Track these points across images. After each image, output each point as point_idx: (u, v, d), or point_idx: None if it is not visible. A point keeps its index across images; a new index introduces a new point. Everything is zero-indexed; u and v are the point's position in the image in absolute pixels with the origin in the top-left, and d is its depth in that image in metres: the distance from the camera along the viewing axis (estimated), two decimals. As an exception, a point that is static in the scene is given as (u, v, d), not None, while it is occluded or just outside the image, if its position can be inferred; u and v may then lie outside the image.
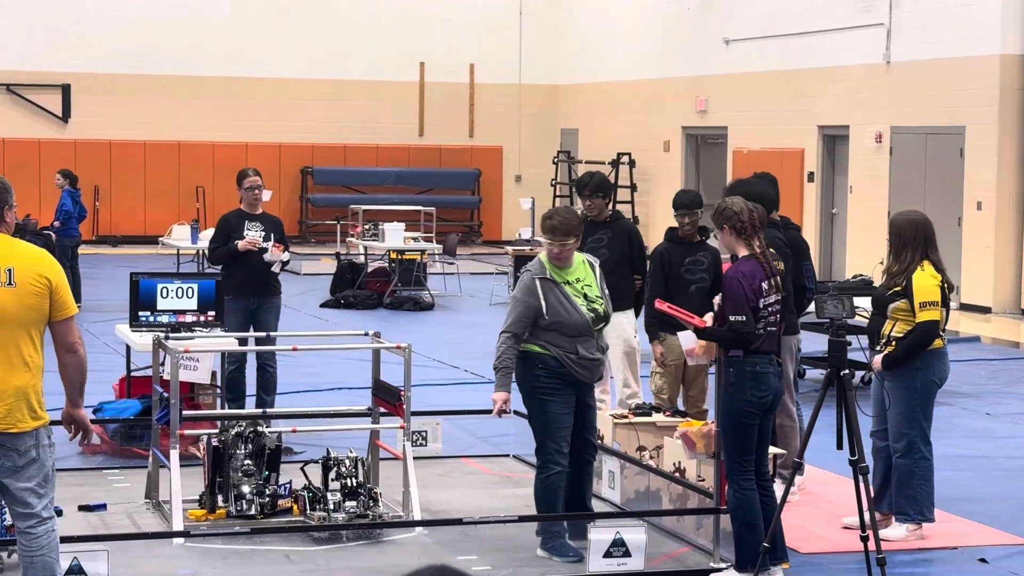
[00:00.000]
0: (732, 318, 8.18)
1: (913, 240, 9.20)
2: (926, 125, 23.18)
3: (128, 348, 11.80)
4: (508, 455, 11.82)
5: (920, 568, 8.98)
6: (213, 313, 11.20)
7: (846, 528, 9.50)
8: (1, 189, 7.02)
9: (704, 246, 10.79)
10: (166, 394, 9.55)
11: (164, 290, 11.11)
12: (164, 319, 11.08)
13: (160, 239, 25.52)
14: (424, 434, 10.89)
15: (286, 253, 12.21)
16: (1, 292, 6.84)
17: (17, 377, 6.85)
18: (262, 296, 12.14)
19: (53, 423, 7.09)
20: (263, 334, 11.56)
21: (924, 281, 9.13)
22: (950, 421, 13.67)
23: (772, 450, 9.07)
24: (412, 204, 29.91)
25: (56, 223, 20.74)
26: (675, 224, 10.91)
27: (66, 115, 32.29)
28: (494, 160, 34.95)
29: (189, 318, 11.12)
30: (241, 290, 12.02)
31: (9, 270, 6.85)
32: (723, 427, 8.35)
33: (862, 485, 8.21)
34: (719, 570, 8.57)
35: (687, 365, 10.57)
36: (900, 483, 9.32)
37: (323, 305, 22.14)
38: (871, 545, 8.12)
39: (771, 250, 8.62)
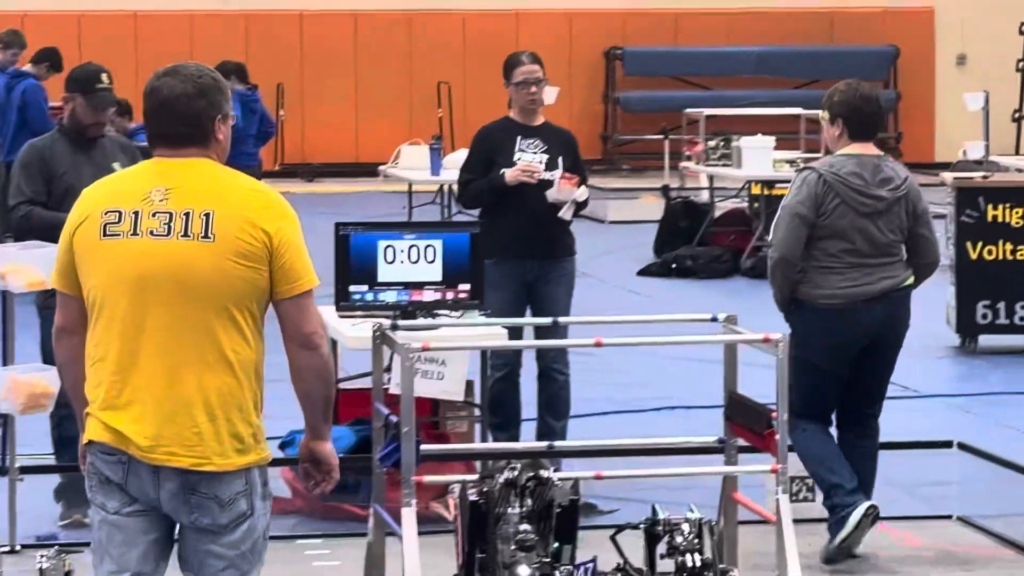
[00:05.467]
0: None
1: None
2: None
3: (334, 344, 9.99)
4: (950, 516, 9.43)
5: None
6: (468, 287, 9.48)
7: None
8: (213, 89, 5.70)
9: None
10: (395, 418, 7.89)
11: (389, 251, 9.46)
12: (389, 297, 9.43)
13: (381, 169, 21.37)
14: (810, 483, 9.09)
15: (582, 189, 10.23)
16: (193, 248, 5.57)
17: (211, 380, 5.58)
18: (544, 259, 10.30)
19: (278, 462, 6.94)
20: (547, 320, 9.65)
21: None
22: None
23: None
24: (785, 105, 23.85)
25: None
26: None
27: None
28: (920, 30, 28.96)
29: (429, 296, 9.50)
30: (511, 250, 10.18)
31: (206, 215, 5.56)
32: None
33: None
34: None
35: None
36: None
37: (642, 272, 18.91)
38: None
39: None
